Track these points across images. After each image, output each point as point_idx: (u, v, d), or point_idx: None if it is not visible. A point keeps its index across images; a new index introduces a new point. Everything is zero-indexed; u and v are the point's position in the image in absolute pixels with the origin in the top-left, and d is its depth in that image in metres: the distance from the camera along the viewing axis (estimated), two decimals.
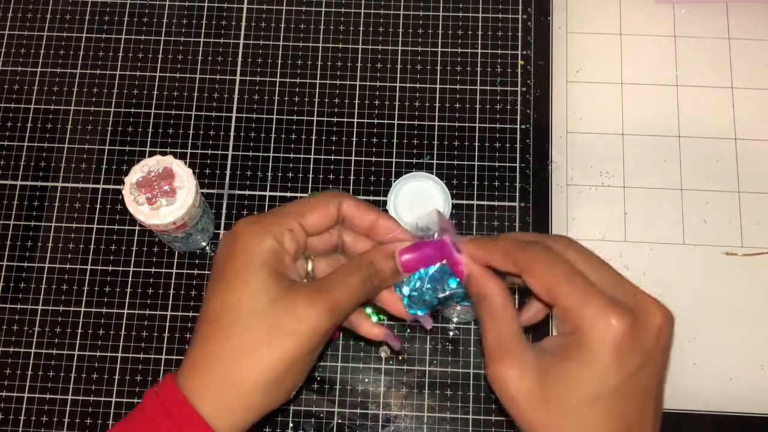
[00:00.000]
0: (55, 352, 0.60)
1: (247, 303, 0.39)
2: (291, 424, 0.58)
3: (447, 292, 0.44)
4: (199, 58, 0.67)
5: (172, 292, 0.61)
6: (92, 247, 0.62)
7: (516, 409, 0.39)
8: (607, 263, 0.40)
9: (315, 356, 0.41)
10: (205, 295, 0.42)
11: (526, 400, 0.39)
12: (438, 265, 0.43)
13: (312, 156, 0.64)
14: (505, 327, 0.40)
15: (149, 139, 0.65)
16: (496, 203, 0.63)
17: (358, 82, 0.66)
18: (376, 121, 0.65)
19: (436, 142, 0.64)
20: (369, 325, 0.45)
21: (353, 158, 0.64)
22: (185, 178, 0.54)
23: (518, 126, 0.65)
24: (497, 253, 0.41)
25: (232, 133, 0.65)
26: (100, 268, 0.62)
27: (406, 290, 0.44)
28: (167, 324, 0.60)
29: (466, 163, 0.64)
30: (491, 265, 0.42)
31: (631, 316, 0.37)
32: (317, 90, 0.66)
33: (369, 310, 0.59)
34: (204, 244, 0.61)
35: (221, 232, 0.62)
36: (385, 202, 0.62)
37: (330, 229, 0.44)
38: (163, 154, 0.55)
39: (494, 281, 0.41)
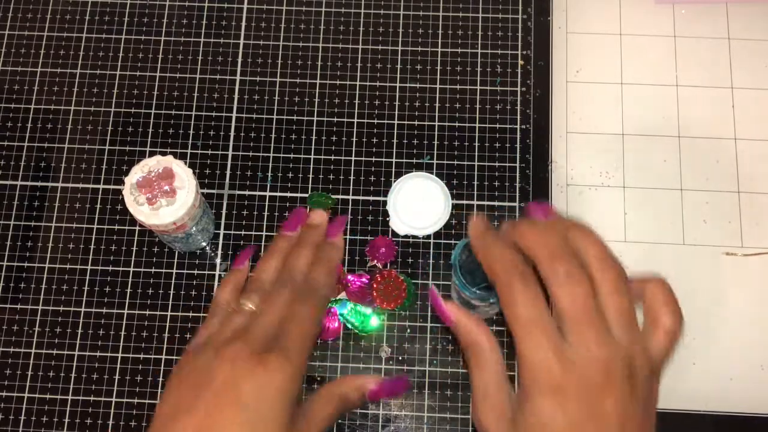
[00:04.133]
0: (55, 352, 0.60)
1: None
2: None
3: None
4: (199, 58, 0.67)
5: (172, 292, 0.61)
6: (92, 247, 0.62)
7: None
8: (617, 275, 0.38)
9: None
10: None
11: None
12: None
13: (312, 156, 0.64)
14: (489, 373, 0.41)
15: (149, 139, 0.65)
16: (496, 203, 0.63)
17: (358, 82, 0.66)
18: (376, 121, 0.65)
19: (436, 142, 0.64)
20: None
21: (353, 158, 0.64)
22: (185, 178, 0.54)
23: (518, 126, 0.65)
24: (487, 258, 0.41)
25: (232, 133, 0.65)
26: (100, 268, 0.62)
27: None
28: (167, 324, 0.60)
29: (466, 163, 0.64)
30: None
31: (569, 365, 0.36)
32: (317, 90, 0.66)
33: (369, 311, 0.59)
34: (204, 244, 0.61)
35: (221, 232, 0.62)
36: (385, 202, 0.62)
37: None
38: (163, 154, 0.55)
39: (481, 328, 0.41)
